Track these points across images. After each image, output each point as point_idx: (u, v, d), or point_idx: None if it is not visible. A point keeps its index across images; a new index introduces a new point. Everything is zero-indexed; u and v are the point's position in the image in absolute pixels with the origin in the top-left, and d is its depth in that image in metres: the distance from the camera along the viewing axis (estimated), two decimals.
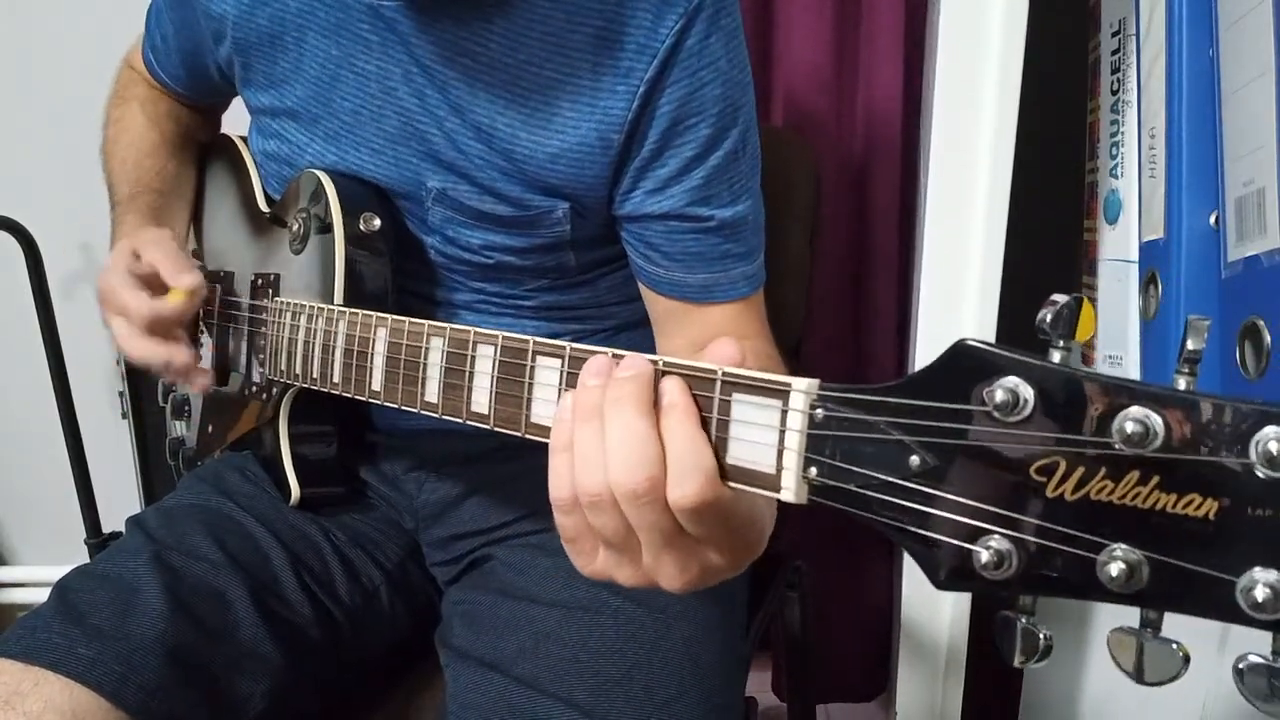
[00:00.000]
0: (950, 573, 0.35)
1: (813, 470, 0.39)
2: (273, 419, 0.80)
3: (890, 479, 0.36)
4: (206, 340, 0.91)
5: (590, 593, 0.71)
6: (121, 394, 1.34)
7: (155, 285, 0.79)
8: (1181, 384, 0.31)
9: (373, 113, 0.76)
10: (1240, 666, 0.30)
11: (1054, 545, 0.32)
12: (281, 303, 0.79)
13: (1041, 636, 0.35)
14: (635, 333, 0.86)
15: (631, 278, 0.80)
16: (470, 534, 0.84)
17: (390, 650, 0.85)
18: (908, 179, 1.23)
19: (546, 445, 0.50)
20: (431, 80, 0.73)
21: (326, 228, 0.75)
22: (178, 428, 0.99)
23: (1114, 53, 0.92)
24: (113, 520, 1.40)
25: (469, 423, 0.56)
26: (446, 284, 0.82)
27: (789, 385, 0.40)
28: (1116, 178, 0.91)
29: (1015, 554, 0.33)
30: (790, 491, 0.40)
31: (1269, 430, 0.28)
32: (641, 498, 0.42)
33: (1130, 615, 0.33)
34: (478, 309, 0.83)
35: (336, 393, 0.70)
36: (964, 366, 0.34)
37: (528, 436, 0.52)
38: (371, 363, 0.66)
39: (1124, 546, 0.31)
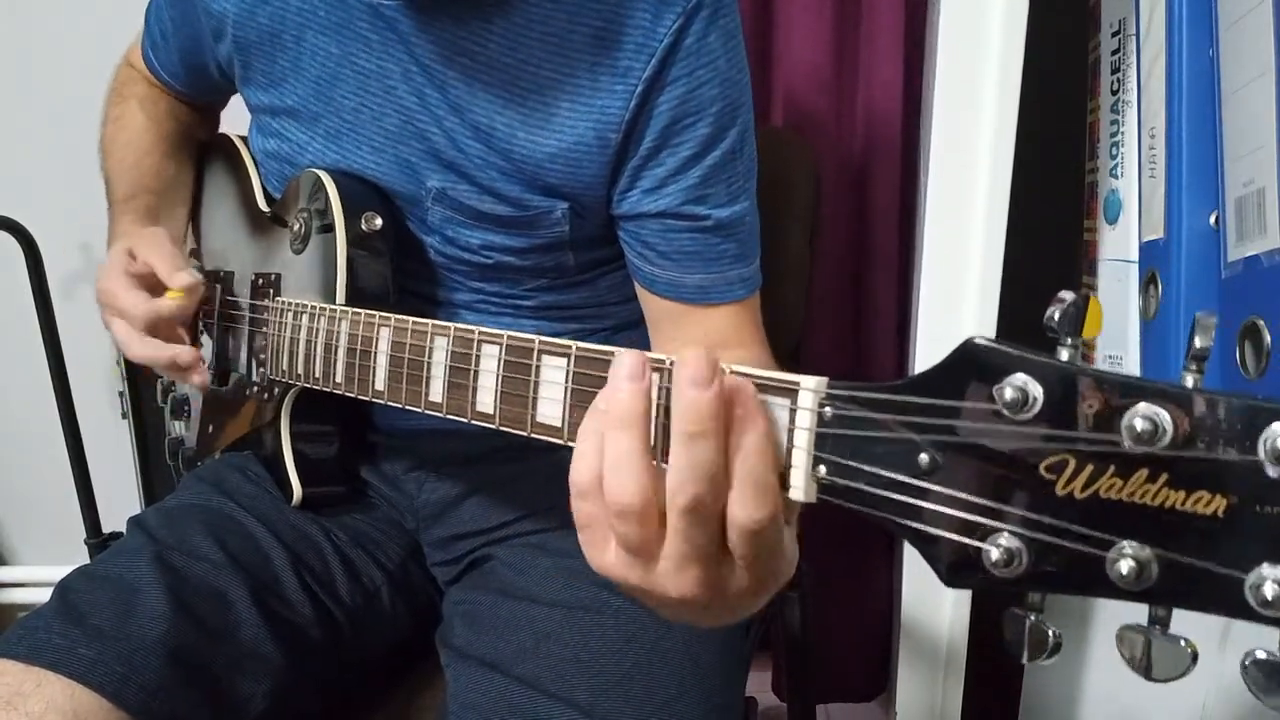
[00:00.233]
0: (959, 570, 0.35)
1: (822, 468, 0.39)
2: (274, 419, 0.80)
3: (899, 477, 0.36)
4: (207, 340, 0.91)
5: (591, 593, 0.71)
6: (121, 394, 1.34)
7: (153, 286, 0.79)
8: (1189, 381, 0.31)
9: (373, 111, 0.76)
10: (1247, 662, 0.30)
11: (1063, 543, 0.32)
12: (282, 302, 0.78)
13: (1050, 633, 0.35)
14: (634, 332, 0.86)
15: (630, 277, 0.80)
16: (471, 534, 0.84)
17: (391, 650, 0.85)
18: (908, 179, 1.23)
19: (546, 446, 0.50)
20: (431, 79, 0.73)
21: (328, 227, 0.75)
22: (177, 428, 0.99)
23: (1114, 53, 0.92)
24: (113, 520, 1.40)
25: (474, 422, 0.56)
26: (446, 284, 0.82)
27: (797, 383, 0.40)
28: (1116, 178, 0.91)
29: (1024, 551, 0.33)
30: (800, 489, 0.40)
31: (1277, 427, 0.28)
32: (701, 510, 0.39)
33: (1130, 614, 0.33)
34: (477, 309, 0.83)
35: (339, 393, 0.70)
36: (972, 365, 0.34)
37: (534, 436, 0.51)
38: (375, 362, 0.66)
39: (1133, 544, 0.31)
